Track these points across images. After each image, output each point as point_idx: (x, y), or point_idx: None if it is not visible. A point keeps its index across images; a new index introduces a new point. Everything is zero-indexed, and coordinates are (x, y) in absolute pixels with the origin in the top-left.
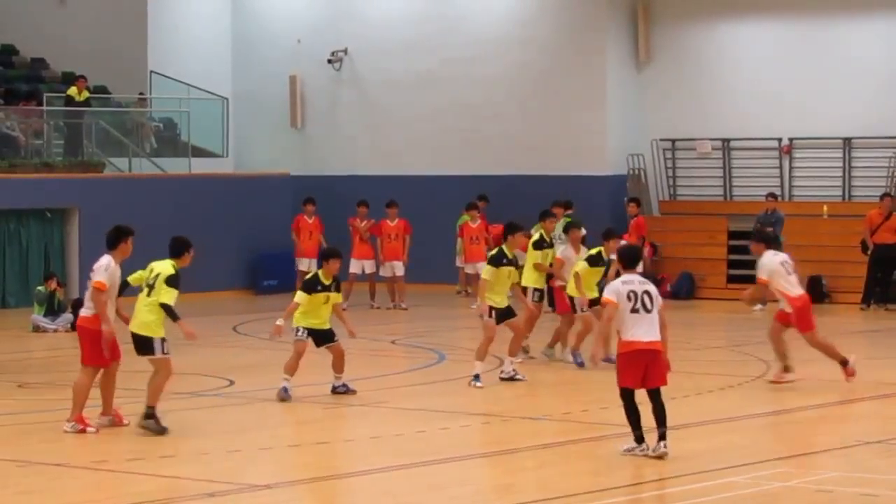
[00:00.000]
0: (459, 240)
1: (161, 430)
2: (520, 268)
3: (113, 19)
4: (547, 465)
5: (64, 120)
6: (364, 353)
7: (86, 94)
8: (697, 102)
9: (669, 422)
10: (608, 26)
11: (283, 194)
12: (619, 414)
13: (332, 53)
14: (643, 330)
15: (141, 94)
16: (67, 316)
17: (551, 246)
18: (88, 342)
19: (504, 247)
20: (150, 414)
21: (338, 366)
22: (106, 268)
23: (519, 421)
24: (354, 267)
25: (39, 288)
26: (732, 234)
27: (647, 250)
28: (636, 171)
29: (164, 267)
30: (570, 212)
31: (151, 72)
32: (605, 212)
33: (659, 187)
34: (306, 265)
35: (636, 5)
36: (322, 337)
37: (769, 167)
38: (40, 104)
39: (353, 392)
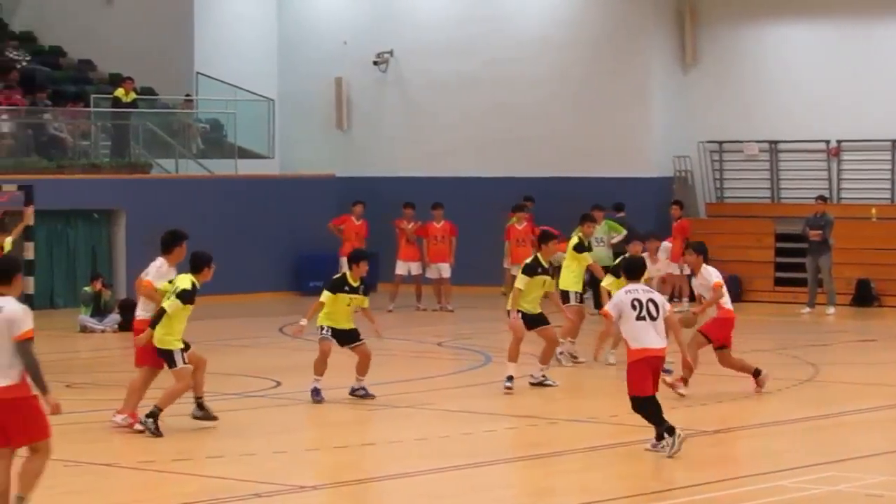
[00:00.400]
0: (507, 242)
1: (157, 434)
2: (556, 269)
3: (159, 21)
4: (592, 468)
5: (111, 121)
6: (410, 355)
7: (132, 95)
8: (744, 104)
9: (715, 425)
10: (654, 28)
11: (329, 196)
12: (668, 417)
13: (378, 55)
14: (651, 337)
15: (187, 95)
16: (114, 316)
17: (590, 249)
18: (144, 350)
19: (539, 255)
20: (154, 413)
21: (362, 368)
22: (158, 269)
23: (565, 423)
24: (400, 269)
25: (86, 288)
26: (780, 237)
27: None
28: (682, 174)
29: (183, 282)
30: (621, 214)
31: (198, 73)
32: (651, 214)
33: (705, 190)
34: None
35: (682, 7)
36: (346, 337)
37: (817, 169)
38: (87, 105)
39: (372, 397)
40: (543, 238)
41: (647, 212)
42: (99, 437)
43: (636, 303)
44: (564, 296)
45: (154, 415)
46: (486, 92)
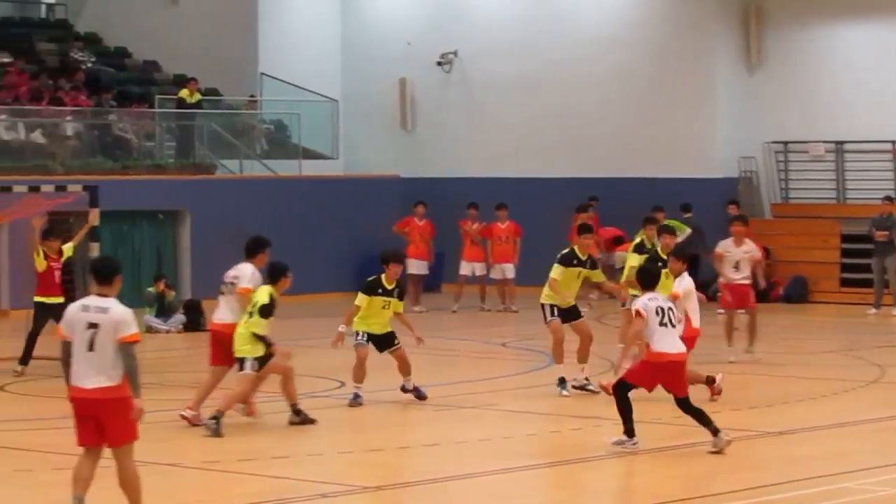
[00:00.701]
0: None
1: (218, 435)
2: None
3: (224, 21)
4: (657, 469)
5: (175, 122)
6: (474, 356)
7: (197, 96)
8: (809, 104)
9: (780, 426)
10: (719, 28)
11: (393, 196)
12: (731, 419)
13: (442, 55)
14: (671, 343)
15: (252, 96)
16: (179, 317)
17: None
18: (222, 347)
19: (576, 247)
20: (216, 416)
21: (404, 370)
22: (252, 276)
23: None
24: (465, 269)
25: (150, 289)
26: (845, 238)
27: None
28: (747, 174)
29: (262, 296)
30: (688, 215)
31: (262, 74)
32: (715, 215)
33: (771, 190)
34: (416, 268)
35: (748, 7)
36: (383, 342)
37: (883, 170)
38: (152, 106)
39: (425, 398)
40: (579, 230)
41: (711, 212)
42: (164, 437)
43: (659, 310)
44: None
45: (216, 417)
46: (549, 92)
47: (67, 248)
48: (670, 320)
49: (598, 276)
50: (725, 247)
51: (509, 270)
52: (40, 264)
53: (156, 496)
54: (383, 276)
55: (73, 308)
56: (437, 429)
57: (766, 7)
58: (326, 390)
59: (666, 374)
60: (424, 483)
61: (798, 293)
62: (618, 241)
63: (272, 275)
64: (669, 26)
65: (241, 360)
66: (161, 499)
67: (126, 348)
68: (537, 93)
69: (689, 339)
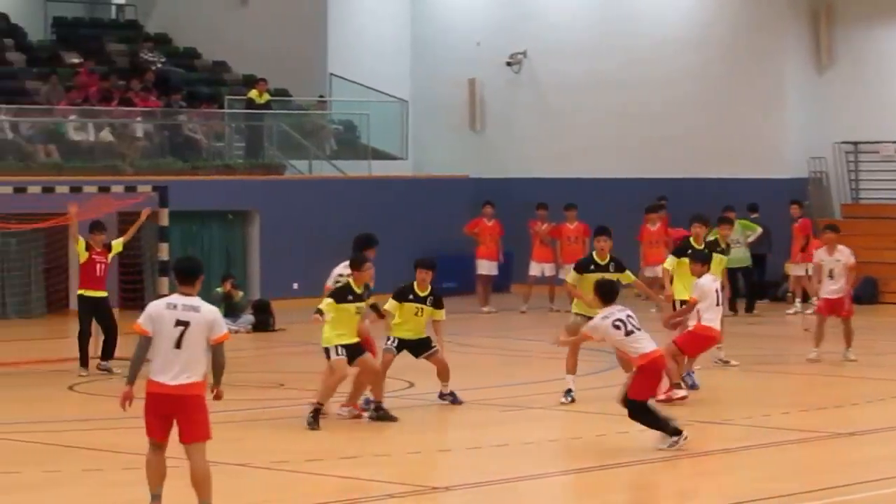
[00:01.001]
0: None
1: (315, 427)
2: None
3: (293, 22)
4: (728, 470)
5: (245, 122)
6: (543, 357)
7: (266, 96)
8: (880, 104)
9: (850, 427)
10: (789, 28)
11: (462, 197)
12: (800, 420)
13: (511, 56)
14: (647, 343)
15: (321, 96)
16: (248, 317)
17: (727, 252)
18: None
19: (594, 253)
20: (316, 409)
21: (443, 375)
22: (339, 273)
23: (699, 425)
24: (534, 270)
25: (217, 289)
26: None
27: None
28: (817, 175)
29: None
30: (755, 215)
31: (331, 74)
32: (785, 215)
33: (840, 191)
34: (486, 268)
35: (818, 7)
36: (418, 347)
37: None
38: (221, 107)
39: (460, 403)
40: (596, 232)
41: (781, 213)
42: (233, 437)
43: (618, 323)
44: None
45: (315, 410)
46: (619, 92)
47: (116, 244)
48: (634, 326)
49: (627, 277)
50: (819, 256)
51: None
52: (82, 255)
53: (224, 496)
54: (415, 283)
55: (157, 306)
56: (506, 429)
57: (836, 6)
58: (395, 391)
59: (658, 370)
60: (493, 483)
61: (868, 294)
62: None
63: (353, 264)
64: (739, 26)
65: (326, 351)
66: (229, 499)
67: (219, 348)
68: (606, 93)
69: (708, 338)
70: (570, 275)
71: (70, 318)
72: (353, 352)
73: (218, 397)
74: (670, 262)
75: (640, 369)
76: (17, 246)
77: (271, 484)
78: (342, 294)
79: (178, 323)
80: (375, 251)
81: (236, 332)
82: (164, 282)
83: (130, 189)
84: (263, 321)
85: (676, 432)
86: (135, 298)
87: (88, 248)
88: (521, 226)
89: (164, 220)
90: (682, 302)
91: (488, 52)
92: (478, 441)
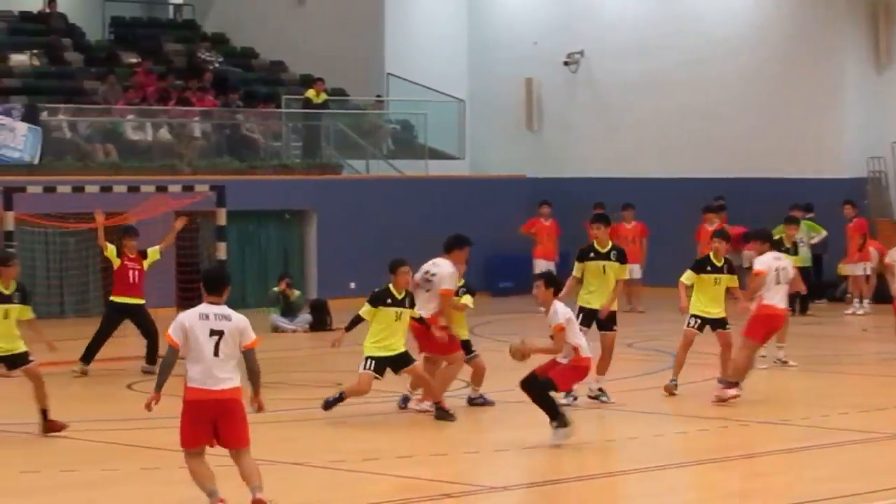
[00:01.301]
0: (699, 242)
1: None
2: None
3: (350, 22)
4: (785, 470)
5: (302, 122)
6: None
7: (323, 96)
8: None
9: None
10: (846, 27)
11: (519, 197)
12: (860, 420)
13: (568, 55)
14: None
15: (378, 96)
16: (305, 316)
17: (795, 252)
18: (423, 339)
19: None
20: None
21: (476, 379)
22: (451, 276)
23: (757, 426)
24: None
25: (274, 289)
26: None
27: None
28: (876, 174)
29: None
30: (810, 215)
31: (388, 74)
32: (843, 215)
33: None
34: (543, 268)
35: (876, 6)
36: (397, 363)
37: None
38: (279, 106)
39: (491, 403)
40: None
41: (839, 213)
42: (290, 436)
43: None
44: None
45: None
46: (676, 92)
47: (153, 252)
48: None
49: (622, 271)
50: (892, 256)
51: (636, 271)
52: (114, 261)
53: (282, 495)
54: (391, 285)
55: (189, 316)
56: None
57: (894, 6)
58: (452, 390)
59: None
60: (551, 483)
61: None
62: (747, 238)
63: (390, 267)
64: (797, 26)
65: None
66: (287, 498)
67: (250, 353)
68: (664, 93)
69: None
70: (686, 274)
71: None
72: (397, 363)
73: (260, 409)
74: (688, 276)
75: (575, 366)
76: (76, 245)
77: (329, 483)
78: (380, 298)
79: (213, 333)
80: (467, 252)
81: (294, 331)
82: None
83: (188, 188)
84: (321, 320)
85: (564, 423)
86: (192, 298)
87: (121, 254)
88: (578, 226)
89: (222, 220)
90: (694, 316)
91: (545, 51)
92: (535, 441)
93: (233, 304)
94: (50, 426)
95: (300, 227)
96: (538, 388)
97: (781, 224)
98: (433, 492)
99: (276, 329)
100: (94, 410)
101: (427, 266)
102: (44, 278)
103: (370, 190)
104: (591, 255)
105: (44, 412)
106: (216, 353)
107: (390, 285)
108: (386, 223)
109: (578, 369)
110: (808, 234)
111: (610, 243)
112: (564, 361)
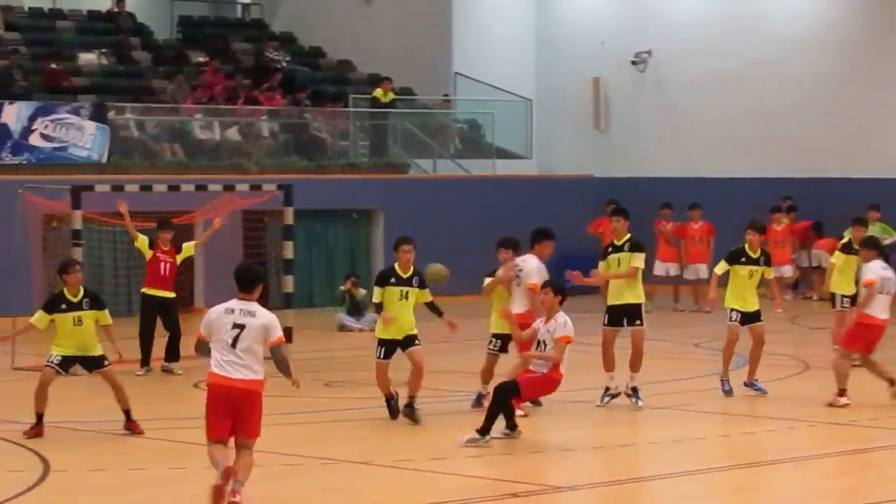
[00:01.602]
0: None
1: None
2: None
3: (418, 21)
4: (851, 471)
5: (369, 121)
6: (667, 356)
7: (391, 95)
8: None
9: None
10: None
11: (587, 196)
12: None
13: (636, 55)
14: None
15: (445, 95)
16: (372, 316)
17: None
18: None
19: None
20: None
21: (485, 377)
22: (538, 269)
23: (824, 426)
24: (658, 269)
25: (340, 288)
26: None
27: None
28: None
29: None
30: (877, 216)
31: (456, 73)
32: None
33: None
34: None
35: None
36: (404, 345)
37: None
38: (346, 106)
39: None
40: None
41: None
42: (355, 436)
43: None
44: (831, 298)
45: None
46: (744, 92)
47: (188, 247)
48: (544, 342)
49: (638, 259)
50: None
51: (703, 271)
52: (146, 252)
53: (347, 494)
54: (396, 264)
55: (216, 310)
56: (631, 429)
57: None
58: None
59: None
60: (618, 483)
61: None
62: (817, 229)
63: (394, 246)
64: (865, 25)
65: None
66: (353, 497)
67: (276, 349)
68: (732, 92)
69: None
70: (720, 265)
71: (195, 317)
72: (405, 345)
73: (296, 384)
74: (721, 266)
75: (548, 378)
76: None
77: (395, 482)
78: (384, 277)
79: (235, 326)
80: (549, 246)
81: (360, 330)
82: (290, 280)
83: (255, 188)
84: None
85: (485, 433)
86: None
87: (154, 246)
88: (646, 225)
89: (289, 219)
90: (734, 310)
91: (613, 51)
92: (601, 441)
93: (300, 304)
94: (129, 426)
95: (367, 227)
96: (502, 388)
97: (851, 226)
98: (500, 491)
99: (343, 328)
100: (161, 409)
101: (517, 260)
102: (111, 277)
103: (437, 189)
104: (610, 249)
105: (126, 412)
106: (233, 345)
107: (395, 265)
108: (453, 223)
109: (549, 382)
110: (881, 235)
111: (627, 235)
112: (541, 371)
